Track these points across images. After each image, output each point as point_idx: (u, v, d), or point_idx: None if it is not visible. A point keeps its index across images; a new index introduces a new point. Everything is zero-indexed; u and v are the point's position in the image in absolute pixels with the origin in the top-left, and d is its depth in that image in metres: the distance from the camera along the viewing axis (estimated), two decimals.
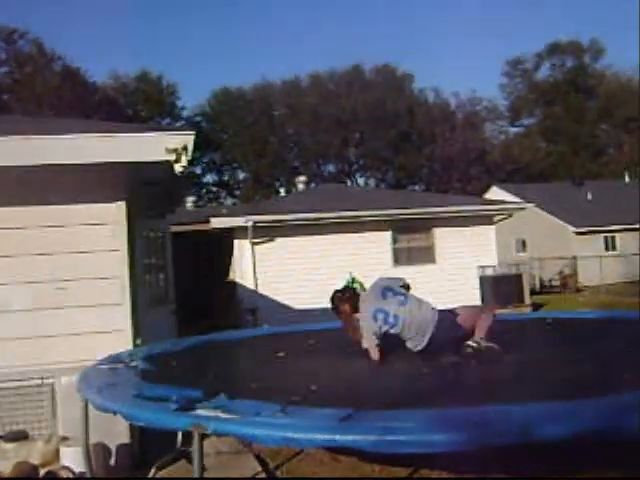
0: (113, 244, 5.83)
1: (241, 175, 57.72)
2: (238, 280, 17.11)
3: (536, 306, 18.82)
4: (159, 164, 5.43)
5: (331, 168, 56.84)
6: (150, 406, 2.83)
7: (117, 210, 5.86)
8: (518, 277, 18.76)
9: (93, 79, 46.72)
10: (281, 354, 4.77)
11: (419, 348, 4.44)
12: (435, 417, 2.42)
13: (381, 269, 13.93)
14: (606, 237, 30.03)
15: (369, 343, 4.40)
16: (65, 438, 5.36)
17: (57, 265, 5.72)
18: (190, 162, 5.42)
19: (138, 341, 5.81)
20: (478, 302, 17.27)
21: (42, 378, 5.64)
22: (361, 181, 56.19)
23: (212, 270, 18.41)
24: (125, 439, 5.59)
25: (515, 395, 2.72)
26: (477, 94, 59.20)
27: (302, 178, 27.84)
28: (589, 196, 32.64)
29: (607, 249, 29.81)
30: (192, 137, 5.39)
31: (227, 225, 17.02)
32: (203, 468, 2.73)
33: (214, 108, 55.87)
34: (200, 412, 2.56)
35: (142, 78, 52.63)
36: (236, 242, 17.19)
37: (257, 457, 5.41)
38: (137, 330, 5.89)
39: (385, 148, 53.11)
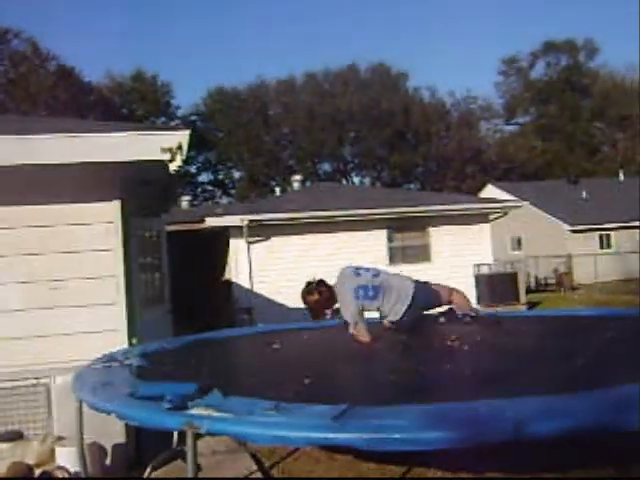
0: (108, 243, 5.82)
1: (236, 174, 57.76)
2: (233, 279, 17.10)
3: (531, 304, 18.88)
4: (154, 163, 5.42)
5: (326, 167, 56.93)
6: (143, 405, 2.82)
7: (112, 209, 5.86)
8: (513, 275, 18.79)
9: (88, 79, 46.68)
10: (275, 346, 4.78)
11: (399, 316, 4.57)
12: (431, 413, 2.42)
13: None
14: (601, 235, 30.10)
15: (357, 326, 4.43)
16: (60, 438, 5.35)
17: (52, 264, 5.72)
18: (185, 161, 5.42)
19: (133, 341, 5.80)
20: (474, 300, 17.30)
21: (37, 378, 5.63)
22: (356, 180, 56.30)
23: (207, 269, 18.41)
24: (121, 439, 5.59)
25: (510, 391, 2.72)
26: (472, 93, 59.23)
27: (297, 177, 27.83)
28: (584, 194, 32.70)
29: (602, 247, 29.89)
30: (187, 136, 5.38)
31: (222, 224, 17.03)
32: (198, 468, 2.72)
33: (209, 107, 55.84)
34: (193, 411, 2.56)
35: (137, 77, 52.56)
36: (231, 241, 17.20)
37: (253, 456, 5.41)
38: (132, 330, 5.88)
39: (380, 147, 53.15)
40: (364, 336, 4.39)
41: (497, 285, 17.89)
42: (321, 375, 3.72)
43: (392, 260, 17.79)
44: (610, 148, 56.33)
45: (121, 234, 5.87)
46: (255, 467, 5.22)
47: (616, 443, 3.75)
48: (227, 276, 17.66)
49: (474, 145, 52.64)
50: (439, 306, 4.91)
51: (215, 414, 2.51)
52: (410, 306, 4.60)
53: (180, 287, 11.47)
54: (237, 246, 17.13)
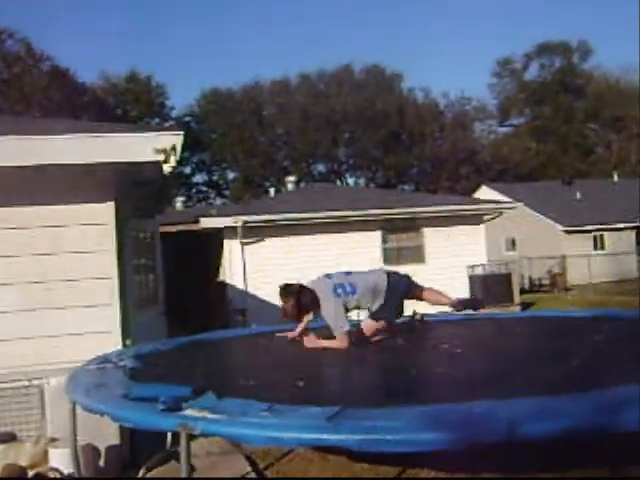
0: (102, 244, 5.81)
1: (231, 175, 57.67)
2: (228, 280, 17.08)
3: (525, 305, 18.91)
4: (148, 164, 5.42)
5: (321, 168, 56.89)
6: (137, 407, 2.82)
7: (106, 210, 5.85)
8: (507, 276, 18.81)
9: (82, 79, 46.56)
10: (269, 349, 4.78)
11: (382, 302, 4.67)
12: (424, 414, 2.43)
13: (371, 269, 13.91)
14: (595, 236, 30.17)
15: (340, 330, 4.46)
16: (54, 439, 5.34)
17: (46, 265, 5.71)
18: (179, 162, 5.42)
19: (128, 342, 5.80)
20: None
21: (30, 379, 5.62)
22: (351, 181, 56.27)
23: (202, 270, 18.38)
24: (115, 440, 5.58)
25: (504, 392, 2.73)
26: (466, 94, 59.38)
27: (292, 178, 27.85)
28: (578, 195, 32.77)
29: (596, 248, 29.95)
30: (180, 137, 5.38)
31: (217, 225, 17.00)
32: (192, 469, 2.72)
33: (203, 108, 55.77)
34: (187, 412, 2.56)
35: (131, 78, 52.45)
36: (226, 242, 17.17)
37: (247, 457, 5.40)
38: (127, 331, 5.88)
39: (375, 148, 53.17)
40: (343, 342, 4.41)
41: (491, 286, 17.91)
42: (314, 376, 3.73)
43: (386, 261, 17.79)
44: (604, 149, 56.51)
45: (115, 235, 5.86)
46: (250, 468, 5.22)
47: (612, 444, 3.76)
48: (221, 277, 17.64)
49: (468, 146, 52.69)
50: (413, 296, 4.98)
51: (209, 415, 2.51)
52: (389, 291, 4.69)
53: (174, 288, 11.46)
54: (231, 247, 17.11)
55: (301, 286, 4.72)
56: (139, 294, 7.78)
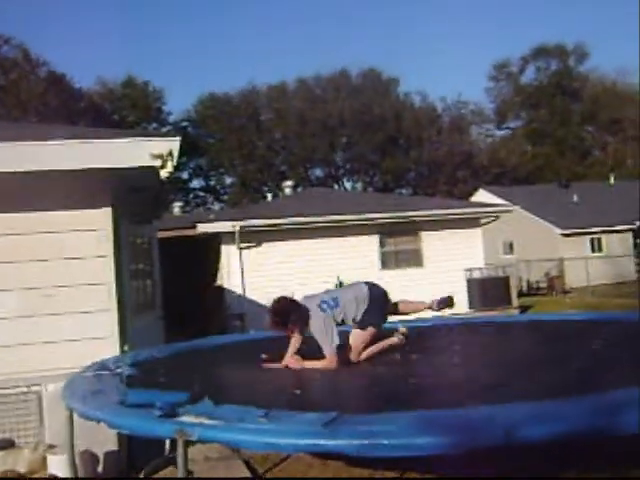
0: (99, 250, 5.81)
1: (228, 180, 57.62)
2: (225, 285, 17.07)
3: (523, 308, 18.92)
4: (145, 170, 5.42)
5: (318, 172, 56.86)
6: (134, 413, 2.82)
7: (103, 216, 5.85)
8: (505, 279, 18.81)
9: (79, 85, 46.54)
10: (265, 356, 4.77)
11: (361, 313, 4.70)
12: (421, 419, 2.42)
13: (368, 273, 13.94)
14: (592, 239, 30.18)
15: (330, 348, 4.47)
16: (52, 446, 5.33)
17: (43, 271, 5.70)
18: (177, 167, 5.43)
19: (125, 347, 5.79)
20: (465, 305, 17.35)
21: (29, 386, 5.61)
22: (348, 185, 56.28)
23: (199, 275, 18.36)
24: (113, 446, 5.57)
25: (501, 396, 2.73)
26: (463, 98, 59.32)
27: (289, 183, 27.84)
28: (575, 198, 32.81)
29: (593, 251, 29.96)
30: (177, 143, 5.39)
31: (214, 230, 17.00)
32: (190, 474, 2.72)
33: (201, 113, 55.74)
34: (184, 419, 2.55)
35: (128, 84, 52.42)
36: (223, 247, 17.16)
37: (245, 463, 5.40)
38: (124, 336, 5.87)
39: (372, 152, 53.17)
40: (332, 361, 4.41)
41: (489, 289, 17.91)
42: (311, 383, 3.72)
43: (384, 265, 17.81)
44: (600, 152, 56.55)
45: (112, 241, 5.86)
46: (248, 473, 5.21)
47: (614, 446, 3.76)
48: (219, 282, 17.62)
49: (465, 150, 52.74)
50: (390, 311, 5.02)
51: (206, 421, 2.51)
52: (371, 296, 4.77)
53: (172, 293, 11.45)
54: (229, 252, 17.10)
55: (291, 300, 4.73)
56: (137, 299, 7.77)
